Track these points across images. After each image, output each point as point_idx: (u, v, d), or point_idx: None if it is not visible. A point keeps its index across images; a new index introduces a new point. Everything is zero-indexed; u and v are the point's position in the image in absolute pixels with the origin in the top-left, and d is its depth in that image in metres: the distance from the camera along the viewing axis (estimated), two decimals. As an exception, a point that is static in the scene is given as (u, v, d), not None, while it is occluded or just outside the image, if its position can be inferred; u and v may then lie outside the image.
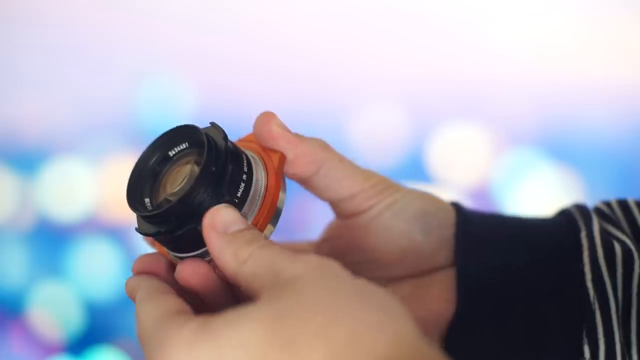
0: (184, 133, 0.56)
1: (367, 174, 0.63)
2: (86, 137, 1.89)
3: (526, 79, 1.89)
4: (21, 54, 1.90)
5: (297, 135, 0.60)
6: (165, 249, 0.56)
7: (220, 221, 0.52)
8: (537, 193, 1.84)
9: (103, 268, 1.85)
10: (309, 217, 1.69)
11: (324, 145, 0.62)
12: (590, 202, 0.69)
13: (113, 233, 1.86)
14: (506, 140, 1.87)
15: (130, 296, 0.54)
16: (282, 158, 0.59)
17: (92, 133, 1.89)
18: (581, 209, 0.66)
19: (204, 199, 0.53)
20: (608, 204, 0.67)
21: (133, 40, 1.88)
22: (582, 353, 0.60)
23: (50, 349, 1.81)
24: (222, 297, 0.54)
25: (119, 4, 1.91)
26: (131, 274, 0.56)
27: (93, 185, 1.88)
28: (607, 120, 1.85)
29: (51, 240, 1.86)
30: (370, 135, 1.88)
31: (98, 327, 1.82)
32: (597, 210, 0.67)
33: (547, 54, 1.90)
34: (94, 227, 1.87)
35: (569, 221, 0.65)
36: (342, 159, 0.62)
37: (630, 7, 1.87)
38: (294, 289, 0.46)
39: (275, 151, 0.59)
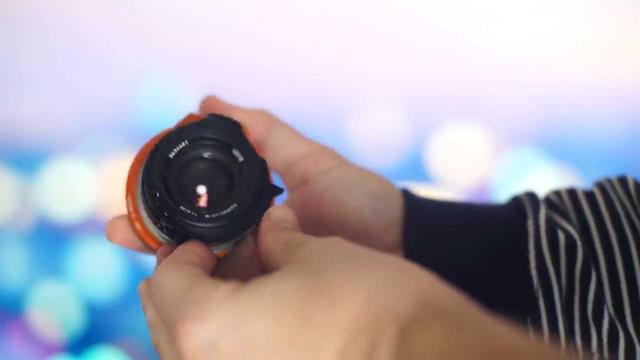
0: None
1: (312, 141, 0.65)
2: (86, 137, 1.89)
3: (526, 79, 1.89)
4: (21, 54, 1.90)
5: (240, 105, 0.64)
6: (147, 229, 0.57)
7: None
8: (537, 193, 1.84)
9: (103, 268, 1.85)
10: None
11: (268, 111, 0.64)
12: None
13: (113, 233, 1.86)
14: (506, 140, 1.87)
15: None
16: (245, 128, 0.60)
17: (92, 133, 1.89)
18: (531, 197, 0.67)
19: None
20: (558, 193, 0.68)
21: (133, 40, 1.88)
22: None
23: (50, 349, 1.81)
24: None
25: (119, 4, 1.91)
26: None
27: (93, 185, 1.88)
28: (607, 120, 1.85)
29: (51, 240, 1.86)
30: (371, 136, 1.88)
31: (98, 327, 1.82)
32: (547, 200, 0.68)
33: (547, 54, 1.90)
34: (94, 227, 1.87)
35: (517, 208, 0.66)
36: (286, 124, 0.65)
37: (630, 7, 1.87)
38: (319, 253, 0.47)
39: None
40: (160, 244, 0.57)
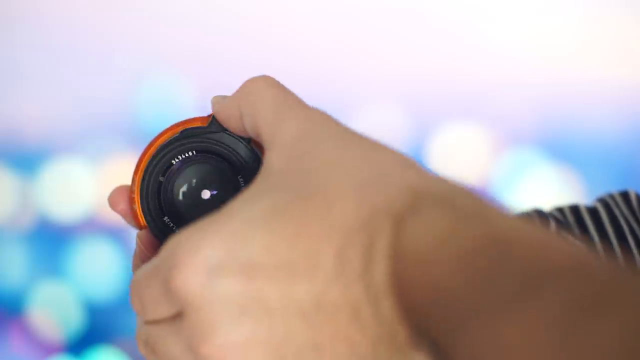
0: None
1: None
2: (86, 137, 1.90)
3: (526, 79, 1.89)
4: (21, 54, 1.90)
5: None
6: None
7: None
8: (536, 193, 1.84)
9: (103, 268, 1.85)
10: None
11: None
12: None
13: (113, 233, 1.86)
14: (506, 140, 1.87)
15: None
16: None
17: (92, 133, 1.90)
18: (540, 214, 0.67)
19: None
20: (561, 210, 0.68)
21: (133, 40, 1.89)
22: None
23: (50, 349, 1.81)
24: None
25: (119, 4, 1.91)
26: (132, 274, 0.56)
27: (93, 185, 1.88)
28: (607, 120, 1.85)
29: (51, 240, 1.87)
30: (371, 135, 1.88)
31: (98, 327, 1.83)
32: (551, 217, 0.67)
33: (547, 54, 1.90)
34: (94, 227, 1.87)
35: None
36: None
37: (630, 7, 1.87)
38: (303, 140, 0.46)
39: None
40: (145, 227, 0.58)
